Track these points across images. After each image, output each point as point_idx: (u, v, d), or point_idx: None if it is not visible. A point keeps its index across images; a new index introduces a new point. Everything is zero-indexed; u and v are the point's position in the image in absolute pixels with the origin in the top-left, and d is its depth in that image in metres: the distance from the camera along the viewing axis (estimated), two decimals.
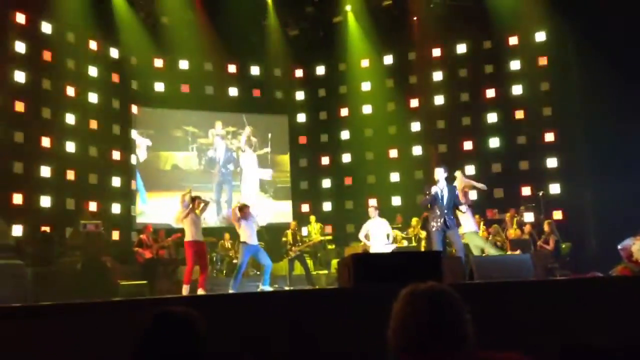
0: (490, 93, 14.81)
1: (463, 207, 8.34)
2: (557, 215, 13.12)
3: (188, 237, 9.05)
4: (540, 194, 12.41)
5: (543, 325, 3.99)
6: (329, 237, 13.95)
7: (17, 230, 11.43)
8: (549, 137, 14.05)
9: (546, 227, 11.24)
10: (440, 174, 8.11)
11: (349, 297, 4.42)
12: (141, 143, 14.82)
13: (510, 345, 2.01)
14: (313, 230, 13.76)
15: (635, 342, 3.92)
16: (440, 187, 8.02)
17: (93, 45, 13.92)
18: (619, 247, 6.27)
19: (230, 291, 8.81)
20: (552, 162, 13.91)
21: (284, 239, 11.84)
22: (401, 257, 5.56)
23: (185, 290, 8.85)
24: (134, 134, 14.70)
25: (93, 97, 13.74)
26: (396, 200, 15.07)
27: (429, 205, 8.08)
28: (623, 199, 11.08)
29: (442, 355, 1.72)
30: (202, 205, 9.35)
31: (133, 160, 14.63)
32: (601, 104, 12.02)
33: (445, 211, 7.85)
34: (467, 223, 9.37)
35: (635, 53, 11.52)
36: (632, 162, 11.55)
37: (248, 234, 9.39)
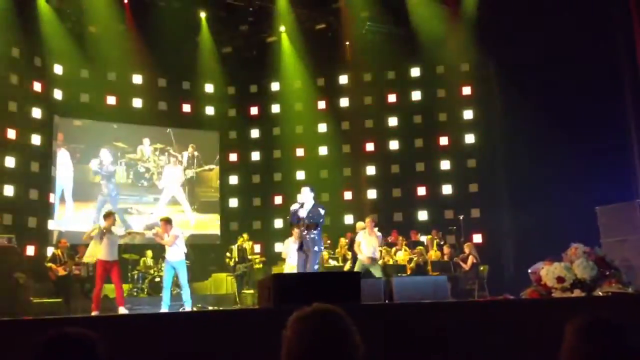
0: (418, 119, 15.28)
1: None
2: (477, 238, 13.62)
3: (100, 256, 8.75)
4: (461, 217, 12.86)
5: (449, 344, 4.12)
6: (263, 259, 13.66)
7: None
8: (471, 163, 14.63)
9: (466, 249, 11.63)
10: (305, 193, 8.10)
11: (269, 317, 4.41)
12: (63, 157, 14.25)
13: None
14: (248, 248, 13.55)
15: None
16: (301, 206, 8.03)
17: (15, 52, 13.33)
18: (530, 270, 6.57)
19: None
20: (473, 188, 14.47)
21: (227, 254, 11.65)
22: (321, 277, 5.60)
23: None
24: (55, 145, 14.11)
25: (12, 106, 13.12)
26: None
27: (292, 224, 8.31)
28: (539, 225, 11.68)
29: None
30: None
31: (53, 172, 14.02)
32: (521, 132, 12.68)
33: (305, 231, 7.83)
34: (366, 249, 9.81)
35: (553, 88, 12.25)
36: (549, 189, 12.18)
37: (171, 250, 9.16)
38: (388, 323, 3.72)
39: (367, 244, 10.01)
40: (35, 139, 13.60)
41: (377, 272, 9.82)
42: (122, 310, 8.49)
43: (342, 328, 1.71)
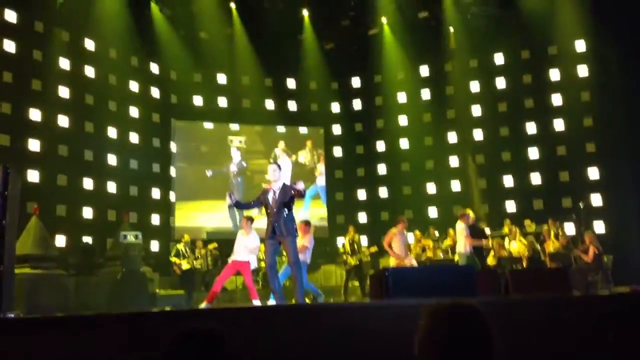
0: (529, 103, 14.59)
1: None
2: (599, 226, 12.79)
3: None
4: (581, 204, 12.11)
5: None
6: (375, 249, 13.55)
7: (60, 240, 11.79)
8: (590, 147, 13.75)
9: (587, 239, 10.95)
10: (273, 172, 6.74)
11: (382, 310, 4.42)
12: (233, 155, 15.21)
13: None
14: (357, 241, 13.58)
15: None
16: (273, 188, 6.68)
17: (134, 61, 14.33)
18: None
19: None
20: (593, 173, 13.59)
21: (341, 248, 11.83)
22: (435, 272, 5.48)
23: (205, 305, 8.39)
24: (173, 146, 15.03)
25: (134, 111, 14.13)
26: (432, 212, 15.01)
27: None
28: None
29: None
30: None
31: (172, 172, 14.94)
32: None
33: (275, 216, 6.52)
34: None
35: None
36: None
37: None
38: (505, 319, 3.59)
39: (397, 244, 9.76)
40: (156, 142, 14.58)
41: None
42: (256, 302, 8.54)
43: (482, 326, 1.74)
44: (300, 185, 6.53)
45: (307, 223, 9.12)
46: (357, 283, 12.00)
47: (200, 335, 1.89)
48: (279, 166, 6.84)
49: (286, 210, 6.54)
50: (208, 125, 15.63)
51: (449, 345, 1.69)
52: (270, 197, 6.60)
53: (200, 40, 14.98)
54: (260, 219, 9.04)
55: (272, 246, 6.53)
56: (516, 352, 3.65)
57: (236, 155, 15.40)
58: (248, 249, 8.69)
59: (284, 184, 6.64)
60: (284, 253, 9.26)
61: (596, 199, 13.32)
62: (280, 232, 6.44)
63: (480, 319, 1.75)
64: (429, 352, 1.74)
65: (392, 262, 10.18)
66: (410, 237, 10.89)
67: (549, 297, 4.59)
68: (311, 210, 15.78)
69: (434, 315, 1.77)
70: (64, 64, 12.82)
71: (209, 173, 15.01)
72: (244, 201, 7.89)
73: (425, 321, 1.77)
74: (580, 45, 14.08)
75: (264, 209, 6.73)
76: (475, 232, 10.36)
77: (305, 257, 8.61)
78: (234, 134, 15.73)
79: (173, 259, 11.33)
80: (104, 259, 11.44)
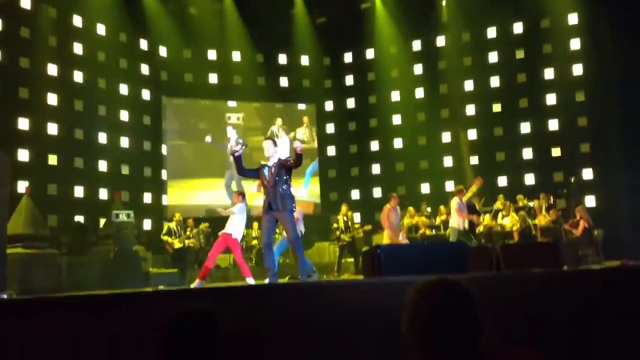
0: (522, 78, 14.51)
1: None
2: (590, 201, 12.88)
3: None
4: (572, 179, 12.17)
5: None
6: (369, 227, 13.52)
7: (52, 220, 11.75)
8: (582, 121, 13.75)
9: (577, 214, 11.02)
10: (268, 147, 6.67)
11: (374, 288, 4.44)
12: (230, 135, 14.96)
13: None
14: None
15: None
16: (268, 164, 6.64)
17: (123, 37, 14.12)
18: None
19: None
20: (585, 148, 13.62)
21: (334, 225, 11.84)
22: (426, 248, 5.50)
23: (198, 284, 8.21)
24: (164, 124, 14.91)
25: (123, 89, 13.97)
26: (425, 188, 15.05)
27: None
28: None
29: (460, 353, 1.71)
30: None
31: (164, 150, 14.85)
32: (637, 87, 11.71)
33: (271, 192, 6.42)
34: None
35: None
36: None
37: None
38: (495, 294, 3.62)
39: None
40: (146, 120, 14.46)
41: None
42: (250, 280, 8.50)
43: (472, 304, 1.75)
44: (298, 145, 6.41)
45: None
46: (350, 260, 12.06)
47: (192, 317, 1.91)
48: (274, 142, 6.80)
49: (283, 186, 6.49)
50: (203, 102, 15.49)
51: (434, 322, 1.71)
52: (266, 172, 6.56)
53: (189, 16, 14.75)
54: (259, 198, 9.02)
55: (269, 222, 6.46)
56: (507, 327, 3.69)
57: (233, 133, 15.28)
58: (234, 215, 8.57)
59: (279, 159, 6.61)
60: (277, 231, 9.31)
61: (587, 174, 13.38)
62: (276, 207, 6.38)
63: (466, 295, 1.77)
64: (415, 329, 1.75)
65: (385, 239, 10.23)
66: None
67: (539, 272, 4.62)
68: (311, 188, 15.78)
69: (419, 292, 1.79)
70: (52, 40, 12.62)
71: (207, 139, 14.80)
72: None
73: (411, 298, 1.78)
74: (573, 19, 13.97)
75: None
76: (469, 208, 10.40)
77: (299, 227, 8.63)
78: (231, 111, 15.60)
79: (165, 238, 11.32)
80: (96, 238, 11.41)
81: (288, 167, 6.49)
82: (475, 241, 10.26)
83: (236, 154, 6.54)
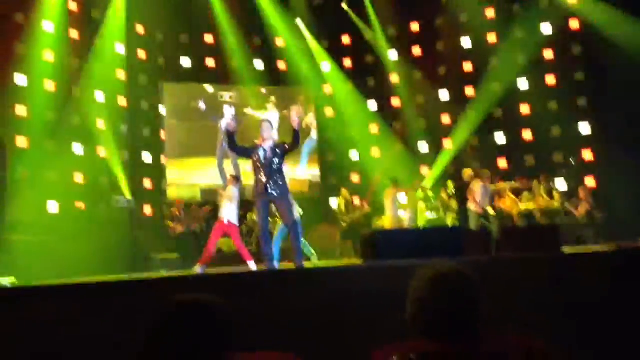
0: (520, 59, 14.40)
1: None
2: (590, 182, 12.87)
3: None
4: (572, 160, 12.14)
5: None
6: (368, 209, 13.49)
7: (52, 206, 11.73)
8: (581, 101, 13.69)
9: (581, 194, 10.98)
10: (266, 129, 6.63)
11: (373, 272, 4.45)
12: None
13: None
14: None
15: None
16: (263, 146, 6.57)
17: (121, 22, 13.97)
18: None
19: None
20: (584, 128, 13.58)
21: (335, 208, 11.83)
22: (424, 234, 5.51)
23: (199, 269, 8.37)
24: (162, 108, 14.84)
25: (120, 74, 13.88)
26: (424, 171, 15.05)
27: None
28: None
29: (462, 339, 1.73)
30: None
31: (162, 135, 14.80)
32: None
33: (266, 176, 6.39)
34: None
35: None
36: None
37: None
38: (492, 279, 3.62)
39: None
40: (144, 105, 14.40)
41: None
42: (251, 264, 8.50)
43: (477, 292, 1.81)
44: (295, 119, 6.39)
45: None
46: (350, 243, 12.10)
47: (190, 307, 1.88)
48: (271, 124, 6.75)
49: (279, 170, 6.47)
50: (201, 86, 15.37)
51: (446, 311, 1.75)
52: (261, 154, 6.50)
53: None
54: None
55: (264, 205, 6.44)
56: (506, 311, 3.70)
57: (229, 110, 15.14)
58: (228, 198, 8.59)
59: (274, 142, 6.57)
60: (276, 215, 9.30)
61: (587, 154, 13.35)
62: (273, 191, 6.36)
63: (465, 281, 1.79)
64: (425, 316, 1.78)
65: (385, 222, 10.22)
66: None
67: (537, 255, 4.63)
68: (307, 169, 15.69)
69: (432, 280, 1.82)
70: (47, 26, 12.51)
71: (201, 105, 14.61)
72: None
73: (423, 286, 1.82)
74: None
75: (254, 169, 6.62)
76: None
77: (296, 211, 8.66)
78: (225, 90, 15.48)
79: (168, 223, 11.34)
80: (96, 224, 11.42)
81: (285, 151, 6.47)
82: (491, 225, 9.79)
83: (230, 128, 6.51)
